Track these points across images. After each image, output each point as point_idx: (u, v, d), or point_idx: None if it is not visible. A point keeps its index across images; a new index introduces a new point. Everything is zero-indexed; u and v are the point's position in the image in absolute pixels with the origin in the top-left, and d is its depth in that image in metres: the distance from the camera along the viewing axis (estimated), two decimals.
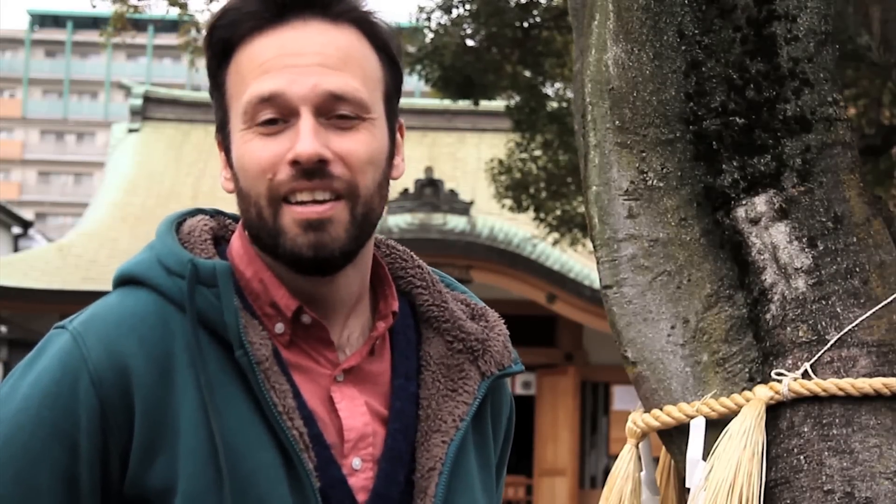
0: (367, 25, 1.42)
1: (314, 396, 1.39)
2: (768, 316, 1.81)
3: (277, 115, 1.35)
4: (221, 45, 1.40)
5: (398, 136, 1.47)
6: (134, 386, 1.32)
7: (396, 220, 17.10)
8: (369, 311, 1.47)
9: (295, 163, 1.33)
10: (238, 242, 1.44)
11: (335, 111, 1.36)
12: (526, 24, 10.40)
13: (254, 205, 1.37)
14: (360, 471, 1.38)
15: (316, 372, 1.40)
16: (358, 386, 1.42)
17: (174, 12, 10.01)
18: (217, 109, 1.43)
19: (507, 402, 1.57)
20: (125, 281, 1.41)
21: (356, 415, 1.39)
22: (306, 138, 1.33)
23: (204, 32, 1.42)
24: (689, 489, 1.78)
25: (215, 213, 1.50)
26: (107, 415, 1.32)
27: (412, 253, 1.55)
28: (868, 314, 1.77)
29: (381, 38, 1.43)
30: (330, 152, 1.34)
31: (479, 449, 1.48)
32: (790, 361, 1.77)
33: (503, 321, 1.53)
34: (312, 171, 1.33)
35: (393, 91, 1.45)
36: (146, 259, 1.40)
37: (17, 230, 27.56)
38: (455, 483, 1.40)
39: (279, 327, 1.40)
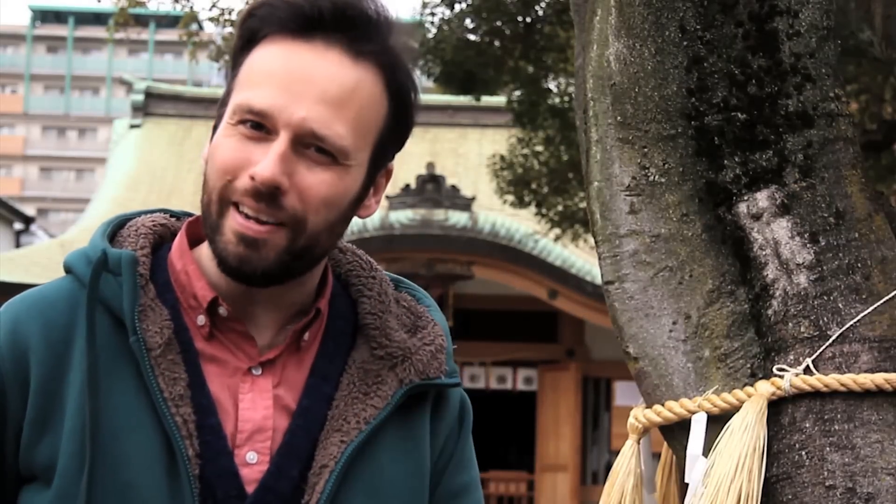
0: (388, 68, 1.43)
1: (224, 388, 1.43)
2: (770, 311, 1.81)
3: (263, 124, 1.39)
4: (247, 35, 1.44)
5: (382, 179, 1.49)
6: (32, 364, 1.39)
7: (398, 216, 17.11)
8: (307, 313, 1.51)
9: (252, 178, 1.37)
10: (177, 239, 1.51)
11: (313, 146, 1.39)
12: (528, 19, 10.39)
13: (208, 193, 1.42)
14: (255, 463, 1.41)
15: (231, 364, 1.44)
16: (276, 381, 1.45)
17: (179, 8, 10.02)
18: (227, 86, 1.47)
19: (452, 410, 1.57)
20: (65, 270, 1.49)
21: (258, 408, 1.43)
22: (270, 162, 1.36)
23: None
24: (688, 484, 1.78)
25: (182, 215, 1.56)
26: (4, 390, 1.39)
27: (374, 263, 1.58)
28: (870, 310, 1.77)
29: (398, 84, 1.44)
30: (288, 182, 1.37)
31: (406, 455, 1.49)
32: (792, 357, 1.77)
33: (443, 336, 1.54)
34: (264, 194, 1.37)
35: (390, 138, 1.46)
36: (79, 251, 1.48)
37: (18, 226, 27.55)
38: (351, 482, 1.42)
39: (200, 319, 1.45)
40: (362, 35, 1.41)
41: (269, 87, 1.38)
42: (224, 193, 1.39)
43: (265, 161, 1.36)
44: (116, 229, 1.51)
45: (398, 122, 1.46)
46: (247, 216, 1.38)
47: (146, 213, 1.55)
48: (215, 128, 1.46)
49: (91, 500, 1.34)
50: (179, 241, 1.50)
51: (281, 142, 1.37)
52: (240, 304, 1.46)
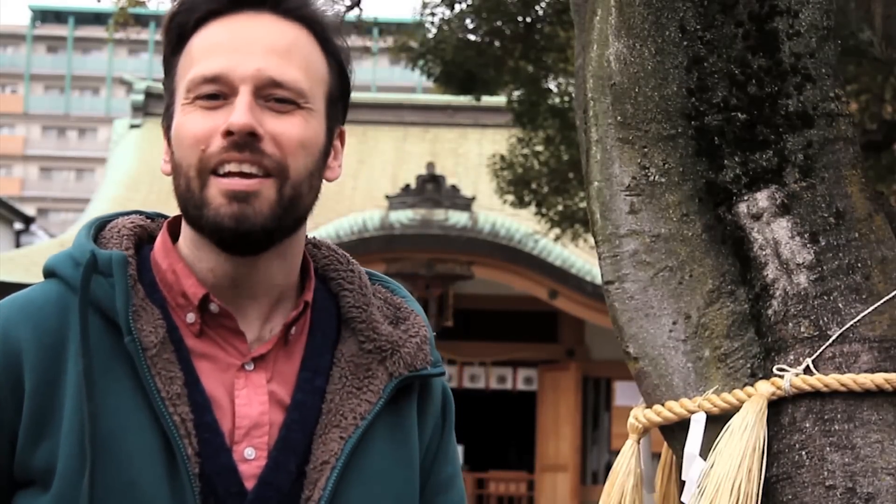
0: (317, 27, 1.49)
1: (218, 385, 1.43)
2: (770, 311, 1.81)
3: (219, 91, 1.41)
4: (178, 31, 1.47)
5: (337, 141, 1.52)
6: (25, 370, 1.38)
7: (398, 216, 17.10)
8: (293, 307, 1.51)
9: (228, 134, 1.38)
10: (160, 238, 1.51)
11: (273, 95, 1.41)
12: (528, 19, 10.39)
13: (184, 176, 1.42)
14: (253, 459, 1.41)
15: (223, 360, 1.45)
16: (269, 376, 1.46)
17: None
18: (166, 95, 1.50)
19: (436, 401, 1.59)
20: (46, 273, 1.48)
21: (254, 403, 1.43)
22: (240, 111, 1.39)
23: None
24: (685, 482, 1.78)
25: (156, 216, 1.57)
26: None
27: (350, 257, 1.60)
28: (870, 310, 1.77)
29: (330, 43, 1.50)
30: (262, 129, 1.39)
31: (396, 446, 1.51)
32: (792, 357, 1.77)
33: (426, 327, 1.56)
34: (243, 144, 1.38)
35: (337, 95, 1.50)
36: (62, 254, 1.47)
37: (18, 226, 27.54)
38: (349, 477, 1.43)
39: (190, 317, 1.45)
40: (285, 2, 1.47)
41: (217, 54, 1.42)
42: (202, 164, 1.40)
43: (236, 112, 1.39)
44: (97, 231, 1.51)
45: (339, 77, 1.51)
46: (231, 174, 1.39)
47: (123, 214, 1.56)
48: (167, 129, 1.47)
49: (94, 501, 1.34)
50: (163, 240, 1.50)
51: (244, 94, 1.40)
52: (228, 296, 1.46)
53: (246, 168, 1.39)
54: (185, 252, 1.47)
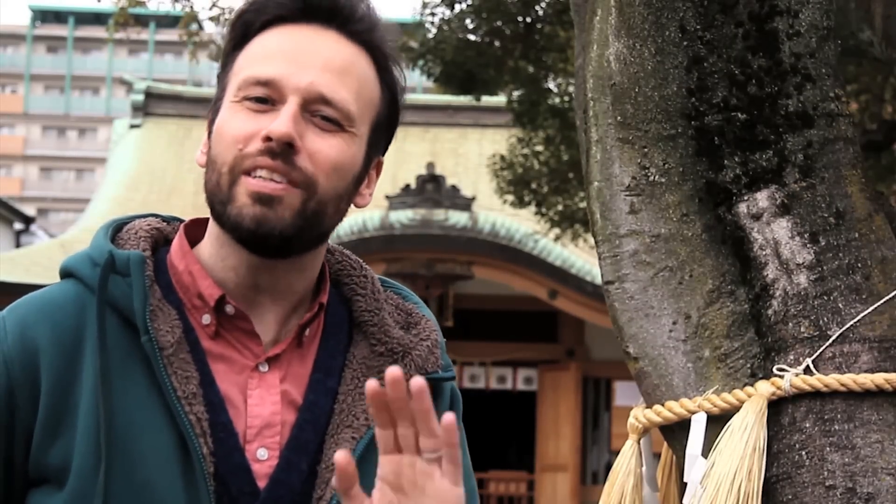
0: (379, 54, 1.50)
1: (233, 385, 1.44)
2: (770, 311, 1.81)
3: (268, 96, 1.42)
4: (243, 29, 1.48)
5: (373, 171, 1.54)
6: (42, 368, 1.39)
7: (398, 216, 17.09)
8: (308, 309, 1.53)
9: (267, 139, 1.39)
10: (177, 241, 1.52)
11: (320, 111, 1.43)
12: (528, 19, 10.39)
13: (217, 171, 1.43)
14: (265, 459, 1.42)
15: (238, 362, 1.46)
16: (282, 377, 1.47)
17: (179, 7, 10.01)
18: (218, 88, 1.50)
19: (445, 403, 1.61)
20: (63, 274, 1.49)
21: (266, 403, 1.44)
22: (283, 119, 1.40)
23: (219, 18, 1.50)
24: (687, 484, 1.78)
25: (172, 219, 1.58)
26: (14, 394, 1.39)
27: (363, 263, 1.61)
28: (870, 310, 1.77)
29: (388, 73, 1.51)
30: (300, 142, 1.41)
31: None
32: (792, 357, 1.77)
33: (437, 331, 1.58)
34: (279, 152, 1.39)
35: (384, 123, 1.51)
36: (80, 254, 1.49)
37: (18, 226, 27.55)
38: (361, 478, 1.43)
39: (206, 318, 1.46)
40: (354, 24, 1.48)
41: (274, 59, 1.43)
42: (236, 162, 1.41)
43: (279, 119, 1.39)
44: (115, 233, 1.52)
45: (390, 112, 1.52)
46: (261, 178, 1.40)
47: (139, 217, 1.57)
48: (211, 122, 1.48)
49: (108, 499, 1.34)
50: (179, 242, 1.51)
51: (291, 104, 1.41)
52: (245, 298, 1.47)
53: (276, 177, 1.40)
54: (209, 251, 1.48)
